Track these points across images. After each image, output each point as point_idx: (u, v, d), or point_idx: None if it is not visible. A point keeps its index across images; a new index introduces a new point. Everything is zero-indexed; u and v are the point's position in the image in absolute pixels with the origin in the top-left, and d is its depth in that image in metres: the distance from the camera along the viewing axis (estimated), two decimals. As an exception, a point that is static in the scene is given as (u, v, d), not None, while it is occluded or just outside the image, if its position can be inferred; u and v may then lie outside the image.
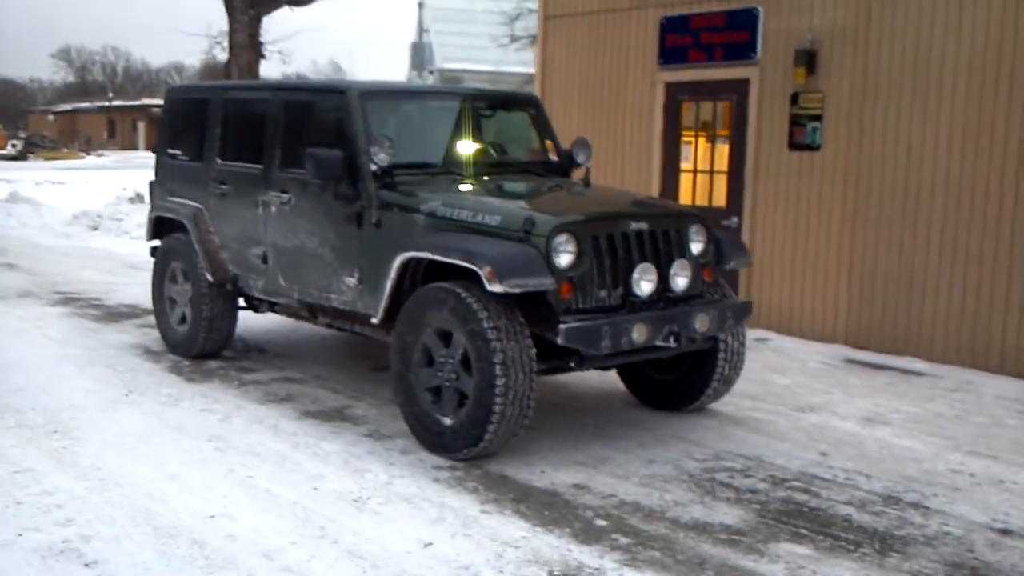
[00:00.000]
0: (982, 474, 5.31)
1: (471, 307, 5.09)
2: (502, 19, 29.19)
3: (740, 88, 8.97)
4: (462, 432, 5.19)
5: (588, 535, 4.38)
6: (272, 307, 7.11)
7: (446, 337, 5.32)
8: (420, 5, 33.87)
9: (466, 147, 6.43)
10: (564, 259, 5.15)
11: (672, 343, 5.42)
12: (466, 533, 4.36)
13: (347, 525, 4.42)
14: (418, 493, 4.82)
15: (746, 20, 8.87)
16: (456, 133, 6.50)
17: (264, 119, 6.70)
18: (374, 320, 5.80)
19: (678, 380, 6.20)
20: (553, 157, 6.88)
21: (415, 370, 5.47)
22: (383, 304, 5.69)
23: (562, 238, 5.16)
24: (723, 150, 9.23)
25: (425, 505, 4.68)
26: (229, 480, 4.94)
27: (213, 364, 7.31)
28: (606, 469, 5.24)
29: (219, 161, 7.13)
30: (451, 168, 6.24)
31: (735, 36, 8.96)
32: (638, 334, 5.23)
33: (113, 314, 9.13)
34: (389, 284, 5.62)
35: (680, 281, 5.57)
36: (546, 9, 10.66)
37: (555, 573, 4.00)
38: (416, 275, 5.74)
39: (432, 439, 5.37)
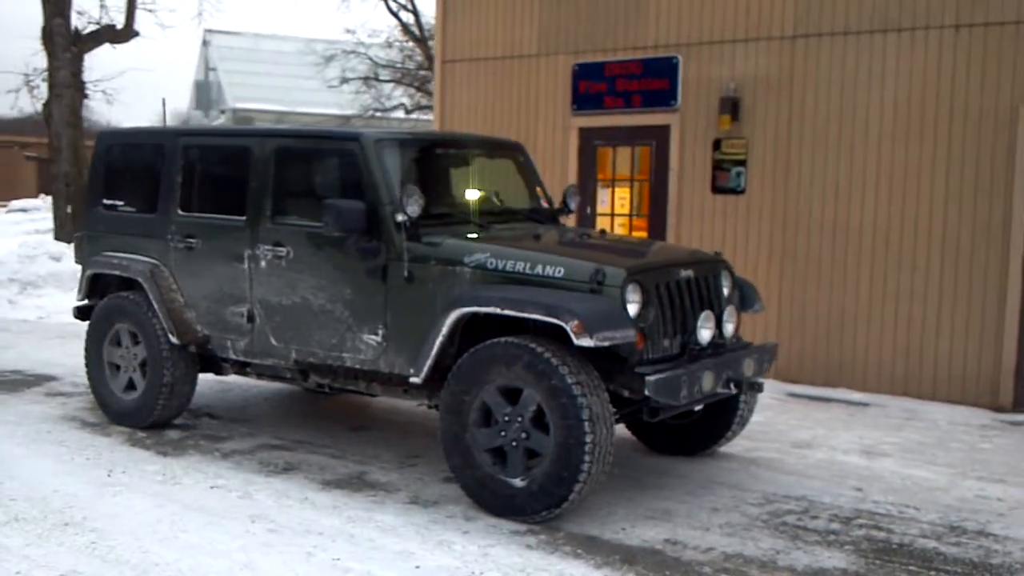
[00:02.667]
0: (1007, 498, 5.65)
1: (550, 362, 4.92)
2: (297, 59, 28.72)
3: (660, 134, 9.21)
4: (542, 493, 4.99)
5: (730, 592, 4.31)
6: (242, 369, 6.59)
7: (511, 394, 5.11)
8: (205, 43, 32.65)
9: (473, 195, 6.25)
10: (633, 309, 5.09)
11: (732, 389, 5.46)
12: (615, 601, 4.19)
13: (488, 604, 4.14)
14: (525, 563, 4.59)
15: (665, 68, 9.13)
16: (461, 181, 6.31)
17: (247, 167, 6.23)
18: (415, 379, 5.48)
19: (696, 425, 6.23)
20: (545, 204, 6.78)
21: (472, 431, 5.22)
22: (429, 362, 5.39)
23: (633, 288, 5.10)
24: (644, 193, 9.42)
25: (548, 574, 4.45)
26: (316, 565, 4.51)
27: (174, 434, 6.69)
28: (679, 521, 5.19)
29: (181, 212, 6.56)
30: (463, 217, 6.03)
31: (654, 83, 9.20)
32: (707, 382, 5.24)
33: (6, 383, 8.16)
34: (439, 341, 5.34)
35: (730, 328, 5.63)
36: (444, 54, 10.55)
37: (744, 635, 3.91)
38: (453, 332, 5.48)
39: (500, 503, 5.13)
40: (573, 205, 6.75)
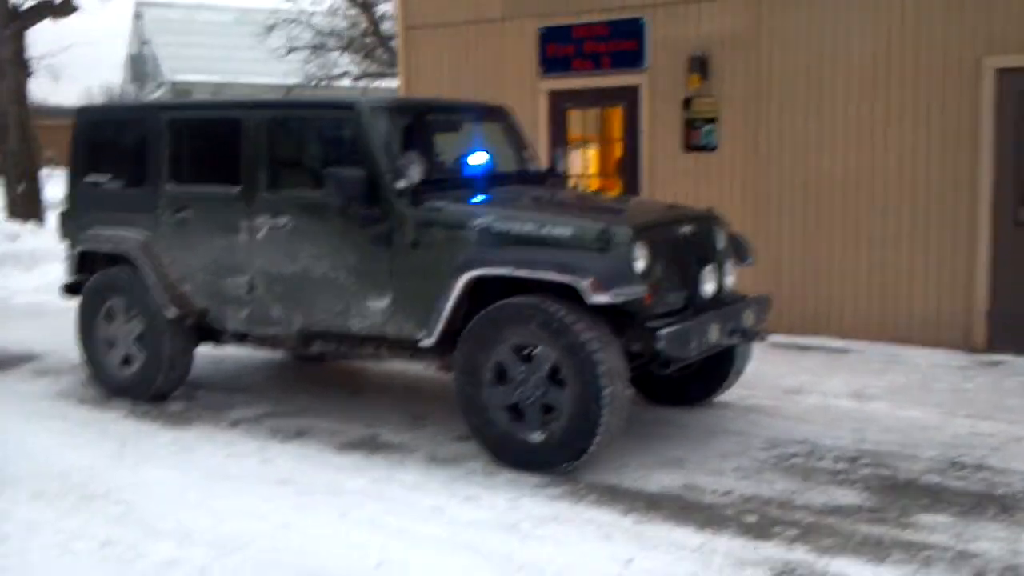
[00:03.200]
0: (998, 434, 5.90)
1: (564, 320, 5.03)
2: (235, 30, 28.29)
3: (629, 94, 9.32)
4: (562, 446, 5.12)
5: (757, 532, 4.48)
6: (241, 340, 6.60)
7: (524, 352, 5.21)
8: (137, 16, 31.95)
9: (468, 160, 6.30)
10: (641, 266, 5.22)
11: (736, 340, 5.63)
12: (651, 545, 4.34)
13: (532, 553, 4.26)
14: (555, 512, 4.72)
15: (632, 29, 9.22)
16: (453, 146, 6.36)
17: (238, 139, 6.21)
18: (426, 342, 5.55)
19: (693, 376, 6.38)
20: (533, 166, 6.86)
21: (487, 390, 5.32)
22: (440, 325, 5.47)
23: (640, 246, 5.22)
24: (615, 154, 9.55)
25: (579, 522, 4.60)
26: (353, 523, 4.60)
27: (176, 406, 6.70)
28: (692, 468, 5.36)
29: (170, 186, 6.52)
30: (459, 182, 6.09)
31: (622, 44, 9.29)
32: (713, 334, 5.40)
33: (-15, 364, 8.06)
34: (450, 304, 5.41)
35: (729, 280, 5.79)
36: (406, 20, 10.53)
37: (781, 572, 4.08)
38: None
39: (520, 457, 5.26)
40: (561, 167, 6.84)
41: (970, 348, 7.98)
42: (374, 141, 5.73)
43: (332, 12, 20.96)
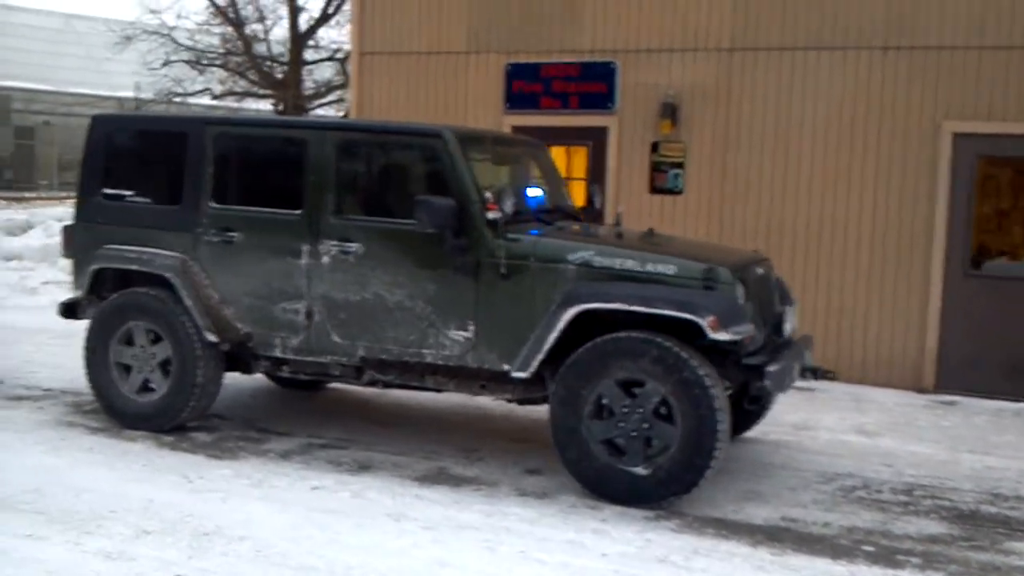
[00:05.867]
0: (1011, 468, 6.47)
1: (680, 356, 5.20)
2: (59, 35, 26.87)
3: (597, 135, 9.60)
4: (671, 480, 5.26)
5: (886, 561, 4.77)
6: (279, 367, 6.36)
7: (629, 387, 5.33)
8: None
9: (529, 193, 6.37)
10: (744, 304, 5.46)
11: (807, 377, 5.94)
12: (808, 575, 4.54)
13: (706, 584, 4.38)
14: (692, 546, 4.85)
15: (603, 72, 9.52)
16: (515, 179, 6.42)
17: (301, 160, 6.04)
18: (520, 374, 5.57)
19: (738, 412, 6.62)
20: (569, 202, 7.00)
21: (587, 423, 5.41)
22: (540, 357, 5.50)
23: (740, 284, 5.46)
24: (580, 193, 9.76)
25: (721, 554, 4.76)
26: (507, 557, 4.59)
27: (203, 436, 6.39)
28: (774, 502, 5.61)
29: (214, 205, 6.24)
30: (528, 215, 6.15)
31: (592, 86, 9.57)
32: (796, 372, 5.70)
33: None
34: (553, 336, 5.46)
35: (795, 321, 6.10)
36: (361, 45, 10.43)
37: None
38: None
39: (623, 491, 5.35)
40: (598, 203, 7.01)
41: (919, 389, 8.66)
42: (461, 170, 5.72)
43: (202, 28, 20.27)
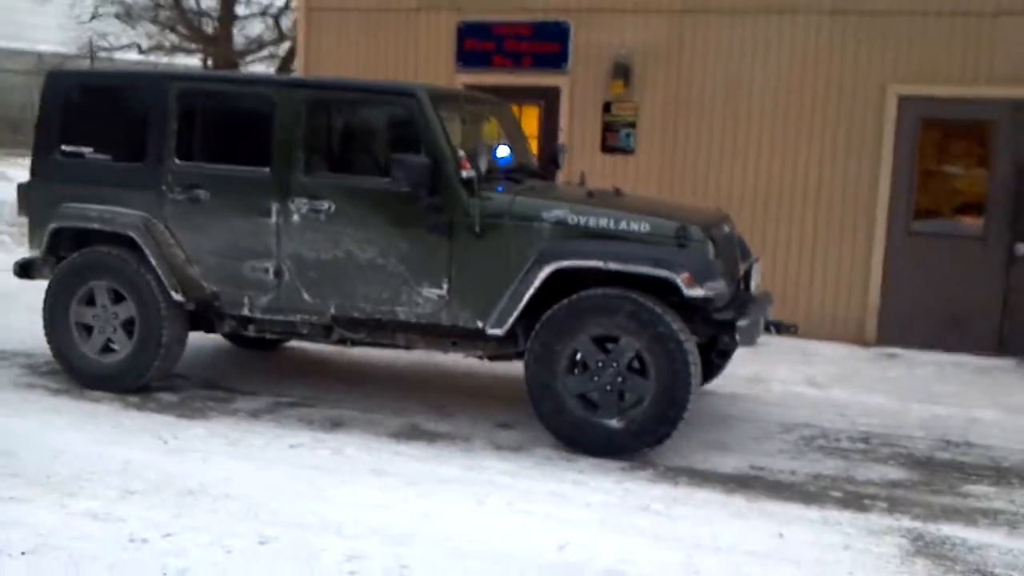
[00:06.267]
0: (955, 416, 6.76)
1: (655, 311, 5.32)
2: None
3: (550, 94, 9.65)
4: (644, 432, 5.40)
5: (855, 506, 4.99)
6: (243, 327, 6.34)
7: (603, 343, 5.45)
8: None
9: (498, 152, 6.40)
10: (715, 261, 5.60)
11: (771, 332, 6.12)
12: (784, 521, 4.73)
13: (688, 531, 4.54)
14: (671, 495, 5.01)
15: (556, 32, 9.56)
16: (485, 137, 6.45)
17: (270, 118, 5.99)
18: (495, 331, 5.64)
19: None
20: (532, 160, 7.05)
21: (562, 378, 5.51)
22: (515, 315, 5.58)
23: (710, 242, 5.59)
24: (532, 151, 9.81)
25: (699, 502, 4.92)
26: (494, 510, 4.68)
27: (169, 397, 6.36)
28: (740, 451, 5.81)
29: (179, 162, 6.16)
30: (496, 173, 6.19)
31: (545, 46, 9.60)
32: (763, 326, 5.87)
33: None
34: (528, 293, 5.54)
35: (759, 277, 6.27)
36: (309, 1, 10.29)
37: (918, 540, 4.59)
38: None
39: (597, 443, 5.49)
40: (562, 162, 7.08)
41: (862, 342, 8.95)
42: (437, 129, 5.74)
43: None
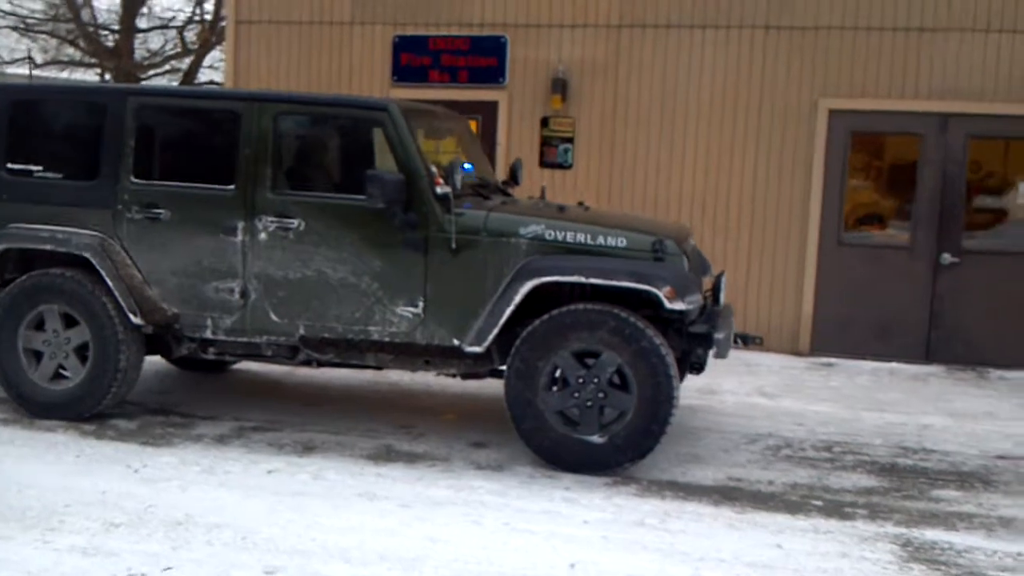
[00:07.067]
0: (907, 423, 6.98)
1: (638, 326, 5.36)
2: None
3: (487, 109, 9.65)
4: (628, 447, 5.43)
5: (839, 514, 5.09)
6: (203, 350, 6.15)
7: (583, 358, 5.46)
8: None
9: (465, 166, 6.36)
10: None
11: (740, 343, 6.22)
12: (776, 530, 4.80)
13: (689, 544, 4.57)
14: (663, 509, 5.04)
15: (493, 47, 9.57)
16: (453, 153, 6.41)
17: (235, 134, 5.83)
18: (474, 348, 5.60)
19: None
20: (492, 176, 7.03)
21: (542, 395, 5.51)
22: (495, 331, 5.54)
23: (684, 258, 5.67)
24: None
25: (691, 516, 4.96)
26: (495, 530, 4.64)
27: (127, 424, 6.14)
28: (714, 463, 5.89)
29: (136, 180, 5.95)
30: (464, 189, 6.15)
31: (481, 60, 9.61)
32: (731, 340, 5.96)
33: None
34: (509, 310, 5.51)
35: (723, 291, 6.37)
36: (238, 13, 10.07)
37: (908, 546, 4.72)
38: None
39: (580, 459, 5.49)
40: (520, 178, 7.07)
41: (796, 352, 9.18)
42: (410, 145, 5.68)
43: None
